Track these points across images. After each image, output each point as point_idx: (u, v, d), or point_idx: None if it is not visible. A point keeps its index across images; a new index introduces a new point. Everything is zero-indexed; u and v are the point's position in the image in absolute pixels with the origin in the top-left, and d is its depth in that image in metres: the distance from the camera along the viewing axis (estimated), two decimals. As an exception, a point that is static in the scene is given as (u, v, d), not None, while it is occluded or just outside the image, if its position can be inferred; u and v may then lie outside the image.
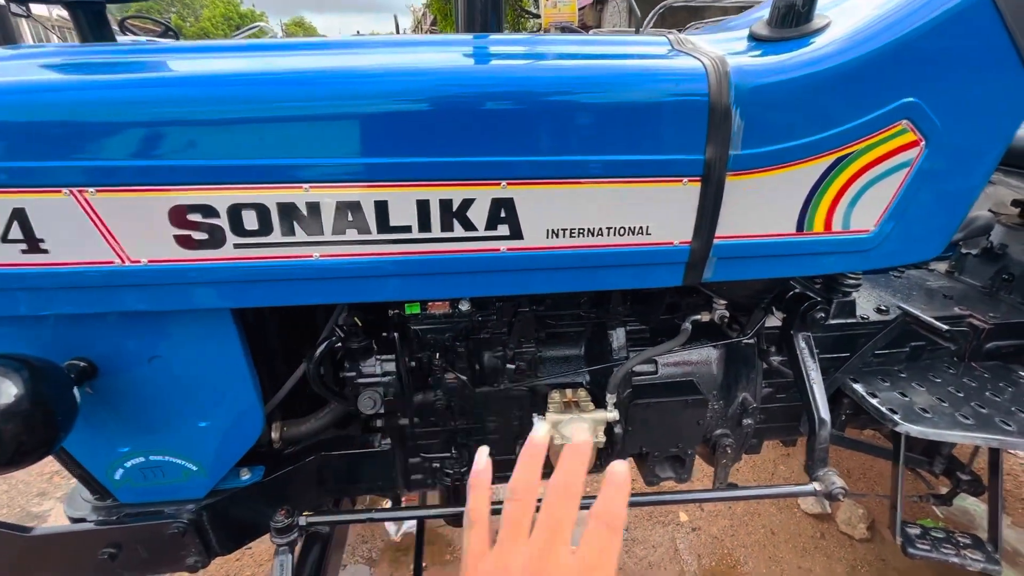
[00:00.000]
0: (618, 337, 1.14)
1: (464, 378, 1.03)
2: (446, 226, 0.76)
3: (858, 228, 0.88)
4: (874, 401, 1.19)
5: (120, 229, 0.70)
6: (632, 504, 1.12)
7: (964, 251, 1.55)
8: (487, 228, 0.77)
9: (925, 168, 0.84)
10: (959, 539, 1.16)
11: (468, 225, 0.77)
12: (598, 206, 0.79)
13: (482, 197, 0.75)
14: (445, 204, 0.75)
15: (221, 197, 0.70)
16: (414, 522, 1.97)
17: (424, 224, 0.76)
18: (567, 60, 0.80)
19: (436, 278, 0.80)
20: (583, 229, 0.80)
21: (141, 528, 0.96)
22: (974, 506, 2.02)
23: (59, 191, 0.67)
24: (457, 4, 1.31)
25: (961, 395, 1.22)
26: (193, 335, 0.83)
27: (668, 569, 1.80)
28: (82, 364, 0.82)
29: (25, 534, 0.94)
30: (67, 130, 0.66)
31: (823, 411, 1.06)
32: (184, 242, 0.72)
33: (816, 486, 1.05)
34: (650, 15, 4.07)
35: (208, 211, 0.71)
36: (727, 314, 1.11)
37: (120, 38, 1.09)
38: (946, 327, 1.07)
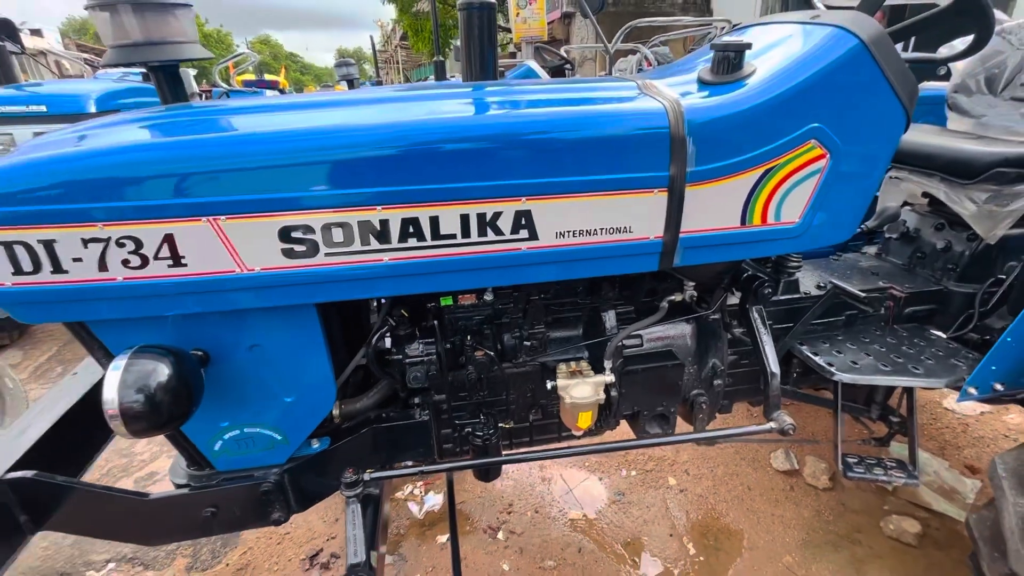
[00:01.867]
0: (610, 318, 1.41)
1: (492, 354, 1.28)
2: (482, 232, 1.02)
3: (787, 220, 1.17)
4: (816, 359, 1.49)
5: (241, 246, 0.94)
6: (631, 447, 1.39)
7: (888, 236, 1.87)
8: (512, 232, 1.03)
9: (831, 174, 1.14)
10: (887, 463, 1.46)
11: (498, 231, 1.03)
12: (593, 212, 1.06)
13: (508, 210, 1.01)
14: (481, 217, 1.01)
15: (317, 219, 0.95)
16: (436, 501, 2.21)
17: (466, 232, 1.01)
18: (565, 106, 1.07)
19: (475, 272, 1.05)
20: (582, 230, 1.07)
21: (235, 490, 1.19)
22: (919, 455, 2.34)
23: (199, 220, 0.91)
24: (461, 53, 1.59)
25: (884, 350, 1.52)
26: (286, 326, 1.07)
27: (661, 524, 2.07)
28: (199, 353, 1.05)
29: (144, 498, 1.15)
30: (201, 176, 0.90)
31: (773, 366, 1.35)
32: (288, 253, 0.96)
33: (772, 424, 1.33)
34: (618, 34, 4.42)
35: (307, 229, 0.95)
36: (695, 294, 1.39)
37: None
38: (864, 295, 1.37)
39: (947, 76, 1.41)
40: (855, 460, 1.47)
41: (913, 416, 1.51)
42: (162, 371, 0.91)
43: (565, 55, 5.29)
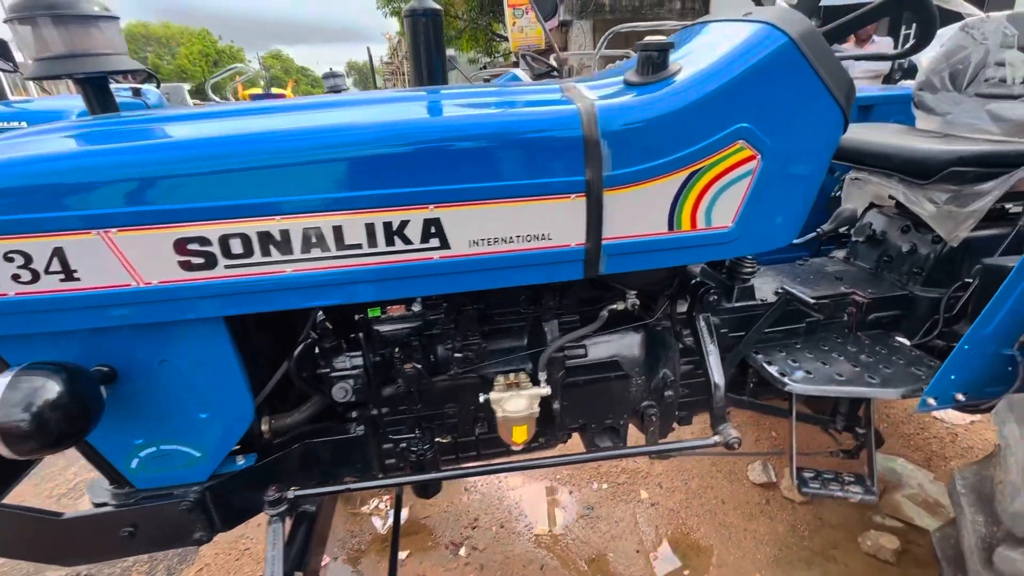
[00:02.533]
0: (552, 328, 1.37)
1: (420, 367, 1.24)
2: (389, 242, 0.99)
3: (719, 225, 1.12)
4: (770, 368, 1.43)
5: (136, 259, 0.92)
6: (568, 463, 1.34)
7: (855, 239, 1.81)
8: (421, 241, 1.00)
9: (764, 175, 1.09)
10: (845, 478, 1.39)
11: (406, 240, 0.99)
12: (509, 220, 1.02)
13: (415, 218, 0.98)
14: (387, 225, 0.97)
15: (213, 230, 0.92)
16: (402, 515, 2.16)
17: (372, 242, 0.98)
18: (476, 109, 1.04)
19: (385, 283, 1.02)
20: (499, 238, 1.03)
21: (155, 508, 1.16)
22: (902, 466, 2.25)
23: (89, 233, 0.89)
24: (411, 60, 1.57)
25: (842, 359, 1.46)
26: (194, 341, 1.04)
27: (628, 540, 2.00)
28: (105, 369, 1.02)
29: (57, 518, 1.12)
30: (90, 187, 0.88)
31: (717, 377, 1.29)
32: (185, 266, 0.94)
33: (716, 438, 1.27)
34: (601, 40, 4.40)
35: (203, 241, 0.93)
36: (637, 302, 1.34)
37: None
38: (813, 301, 1.31)
39: (911, 74, 1.36)
40: (811, 475, 1.40)
41: (871, 429, 1.44)
42: (50, 388, 0.88)
43: (554, 63, 5.28)
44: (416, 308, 1.23)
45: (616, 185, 1.02)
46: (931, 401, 1.29)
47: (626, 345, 1.43)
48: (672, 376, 1.44)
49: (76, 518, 1.14)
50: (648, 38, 1.09)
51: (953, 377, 1.27)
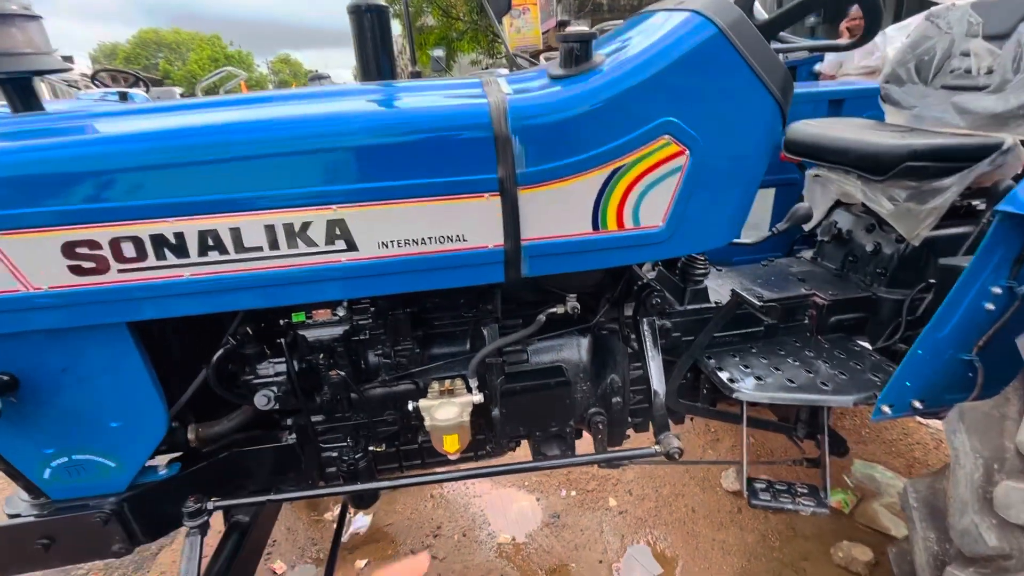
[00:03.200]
0: (492, 333, 1.32)
1: (343, 375, 1.19)
2: (291, 244, 0.94)
3: (649, 224, 1.06)
4: (720, 374, 1.37)
5: (23, 263, 0.88)
6: (505, 472, 1.29)
7: (821, 238, 1.74)
8: (327, 244, 0.95)
9: (695, 172, 1.03)
10: (798, 489, 1.32)
11: (310, 242, 0.95)
12: (420, 220, 0.97)
13: (318, 219, 0.94)
14: (288, 227, 0.93)
15: (103, 233, 0.89)
16: (364, 523, 2.12)
17: (273, 244, 0.94)
18: (384, 106, 0.99)
19: (289, 287, 0.98)
20: (410, 239, 0.98)
21: (69, 519, 1.12)
22: (882, 474, 2.17)
23: (-31, 236, 0.86)
24: (356, 55, 1.53)
25: (798, 364, 1.39)
26: (95, 347, 1.00)
27: (592, 549, 1.94)
28: (5, 378, 0.99)
29: (-33, 530, 1.09)
30: (-25, 188, 0.85)
31: (658, 384, 1.23)
32: (76, 270, 0.90)
33: (656, 447, 1.22)
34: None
35: (93, 244, 0.89)
36: (578, 306, 1.28)
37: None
38: (760, 303, 1.24)
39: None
40: (762, 486, 1.34)
41: (825, 438, 1.37)
42: (-70, 398, 0.85)
43: (543, 62, 5.22)
44: (341, 312, 1.18)
45: (532, 183, 0.97)
46: (886, 409, 1.22)
47: (569, 350, 1.37)
48: (620, 382, 1.39)
49: (-14, 529, 1.11)
50: (570, 29, 1.04)
51: (908, 384, 1.21)
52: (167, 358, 1.12)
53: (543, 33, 10.93)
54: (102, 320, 0.95)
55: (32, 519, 1.12)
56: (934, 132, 1.43)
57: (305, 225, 0.93)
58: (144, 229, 0.89)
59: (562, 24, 11.95)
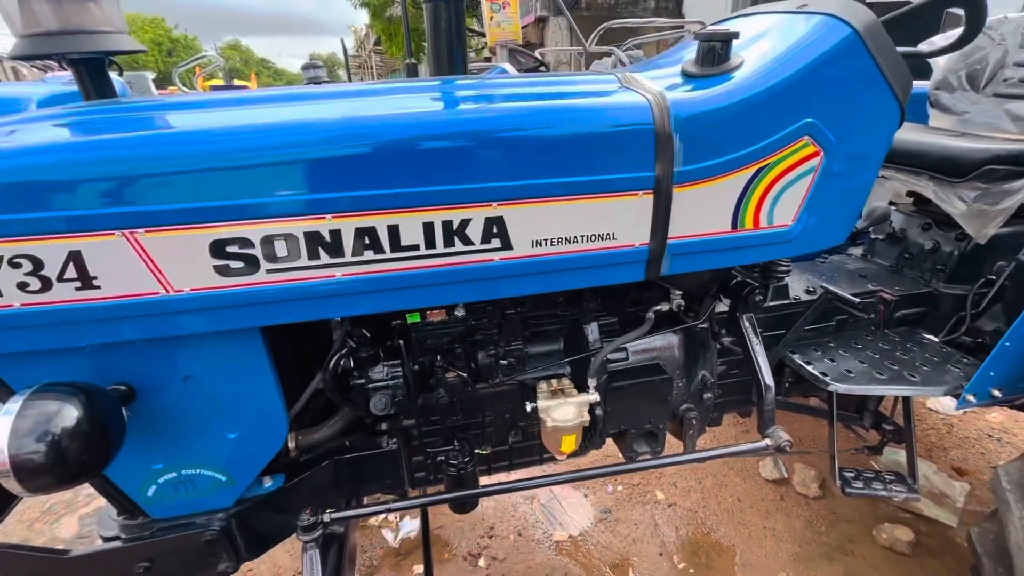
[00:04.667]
0: (592, 331, 1.31)
1: (465, 375, 1.16)
2: (448, 243, 0.90)
3: (780, 223, 1.08)
4: (810, 368, 1.41)
5: (166, 263, 0.81)
6: (620, 472, 1.28)
7: (874, 236, 1.82)
8: (482, 242, 0.92)
9: (825, 173, 1.06)
10: (886, 476, 1.38)
11: (466, 241, 0.91)
12: (573, 218, 0.95)
13: (477, 217, 0.90)
14: (446, 225, 0.89)
15: (255, 231, 0.82)
16: (412, 527, 2.07)
17: (430, 242, 0.89)
18: (540, 100, 0.97)
19: (442, 287, 0.93)
20: (562, 238, 0.96)
21: (174, 540, 1.04)
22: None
23: (112, 234, 0.77)
24: (427, 49, 1.48)
25: (877, 357, 1.46)
26: (226, 353, 0.93)
27: (650, 543, 1.97)
28: (122, 388, 0.91)
29: (63, 556, 0.99)
30: (116, 181, 0.77)
31: (768, 379, 1.26)
32: (223, 271, 0.83)
33: (767, 442, 1.24)
34: (593, 35, 4.37)
35: (244, 243, 0.82)
36: (683, 303, 1.30)
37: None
38: (858, 300, 1.29)
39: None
40: (852, 474, 1.39)
41: (911, 426, 1.44)
42: (67, 414, 0.77)
43: (540, 57, 5.22)
44: (459, 313, 1.15)
45: (686, 182, 0.97)
46: (970, 398, 1.30)
47: (668, 347, 1.38)
48: (711, 378, 1.41)
49: (84, 556, 1.01)
50: (711, 27, 1.04)
51: (992, 374, 1.28)
52: (283, 363, 1.06)
53: (523, 27, 10.89)
54: (245, 324, 0.88)
55: (133, 542, 1.03)
56: (993, 137, 1.51)
57: (464, 223, 0.90)
58: (299, 227, 0.83)
59: (541, 19, 11.97)
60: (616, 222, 0.97)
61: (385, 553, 1.98)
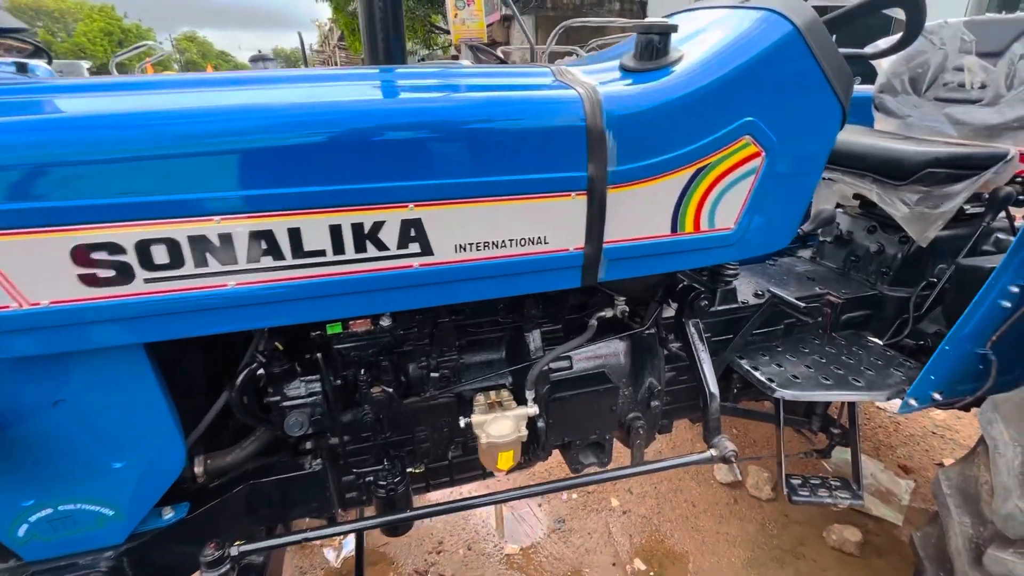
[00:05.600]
0: (534, 339, 1.24)
1: (390, 391, 1.07)
2: (359, 248, 0.81)
3: (721, 226, 1.03)
4: (756, 374, 1.38)
5: (18, 273, 0.69)
6: (563, 488, 1.22)
7: (822, 239, 1.82)
8: (399, 247, 0.84)
9: (767, 174, 1.02)
10: (832, 483, 1.37)
11: (381, 245, 0.82)
12: (500, 221, 0.88)
13: (392, 219, 0.81)
14: (357, 227, 0.80)
15: (127, 234, 0.71)
16: (353, 545, 1.95)
17: (338, 247, 0.80)
18: (463, 92, 0.89)
19: (355, 297, 0.85)
20: (488, 242, 0.88)
21: None
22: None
23: (-57, 238, 0.65)
24: (363, 37, 1.38)
25: (824, 361, 1.44)
26: (103, 374, 0.82)
27: (604, 552, 1.92)
28: (-24, 416, 0.78)
29: (-88, 611, 0.86)
30: (-51, 175, 0.65)
31: (712, 387, 1.22)
32: (89, 280, 0.72)
33: (712, 452, 1.20)
34: (552, 34, 4.32)
35: (114, 248, 0.71)
36: (627, 309, 1.24)
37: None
38: (803, 304, 1.27)
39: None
40: (799, 482, 1.37)
41: (856, 430, 1.43)
42: None
43: (502, 55, 5.15)
44: (384, 323, 1.06)
45: (621, 182, 0.91)
46: (912, 402, 1.29)
47: (613, 354, 1.33)
48: (658, 385, 1.36)
49: (-61, 608, 0.88)
50: (649, 20, 0.98)
51: (932, 378, 1.28)
52: (178, 381, 0.94)
53: (488, 25, 10.82)
54: (121, 341, 0.77)
55: (1, 589, 0.90)
56: (933, 140, 1.52)
57: (377, 226, 0.81)
58: (182, 229, 0.73)
59: (506, 18, 11.91)
60: (548, 225, 0.91)
61: (327, 574, 1.87)
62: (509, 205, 0.87)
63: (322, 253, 0.80)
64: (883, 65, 1.73)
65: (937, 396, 1.30)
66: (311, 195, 0.77)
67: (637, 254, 0.99)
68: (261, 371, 1.00)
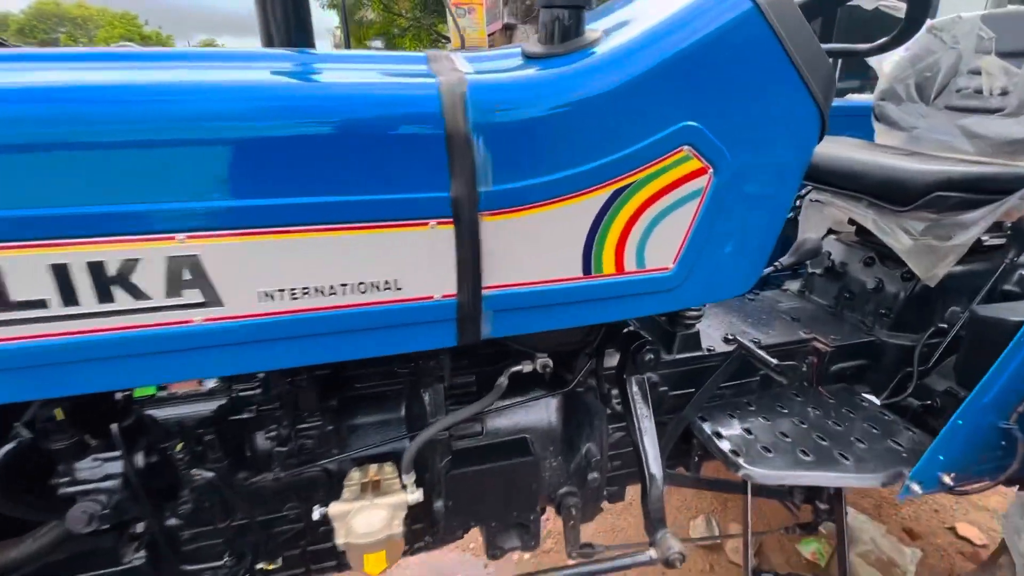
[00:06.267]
0: (435, 397, 0.98)
1: (210, 474, 0.81)
2: (104, 297, 0.57)
3: (656, 266, 0.78)
4: (720, 443, 1.11)
5: None
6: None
7: (811, 271, 1.55)
8: (169, 295, 0.59)
9: (717, 196, 0.76)
10: (811, 585, 1.09)
11: (137, 293, 0.58)
12: (329, 259, 0.63)
13: (152, 256, 0.57)
14: (95, 267, 0.56)
15: None
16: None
17: (68, 296, 0.56)
18: (273, 78, 0.64)
19: (101, 365, 0.60)
20: (313, 288, 0.63)
21: None
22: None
23: None
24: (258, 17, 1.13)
25: (805, 426, 1.17)
26: None
27: (551, 631, 1.64)
28: None
29: None
30: None
31: (655, 466, 0.95)
32: None
33: (652, 553, 0.94)
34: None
35: None
36: (550, 363, 0.98)
37: None
38: (775, 362, 1.00)
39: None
40: (769, 579, 1.09)
41: (843, 523, 1.15)
42: None
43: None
44: (213, 383, 0.81)
45: (499, 208, 0.66)
46: (915, 487, 1.01)
47: (536, 416, 1.07)
48: (598, 454, 1.10)
49: None
50: (556, -9, 0.73)
51: (942, 457, 1.00)
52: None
53: (489, 35, 10.70)
54: None
55: None
56: (945, 158, 1.26)
57: (129, 265, 0.56)
58: None
59: (508, 27, 11.76)
60: (400, 265, 0.65)
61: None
62: (340, 237, 0.62)
63: (42, 304, 0.55)
64: (884, 69, 1.47)
65: (947, 480, 1.02)
66: (21, 221, 0.53)
67: (535, 303, 0.73)
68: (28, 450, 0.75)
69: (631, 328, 1.06)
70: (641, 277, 0.77)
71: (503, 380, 0.95)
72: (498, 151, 0.63)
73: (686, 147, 0.72)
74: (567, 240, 0.71)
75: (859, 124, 1.70)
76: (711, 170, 0.74)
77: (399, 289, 0.67)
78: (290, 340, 0.64)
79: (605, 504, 1.25)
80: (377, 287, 0.66)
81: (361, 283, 0.65)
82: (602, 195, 0.70)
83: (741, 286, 0.85)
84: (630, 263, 0.76)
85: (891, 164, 1.15)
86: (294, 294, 0.63)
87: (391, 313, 0.67)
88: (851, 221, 1.47)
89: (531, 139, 0.64)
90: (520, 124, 0.63)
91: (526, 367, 0.97)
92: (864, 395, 1.29)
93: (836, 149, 1.33)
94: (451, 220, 0.64)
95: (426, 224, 0.64)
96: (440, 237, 0.65)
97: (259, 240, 0.60)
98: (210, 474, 0.81)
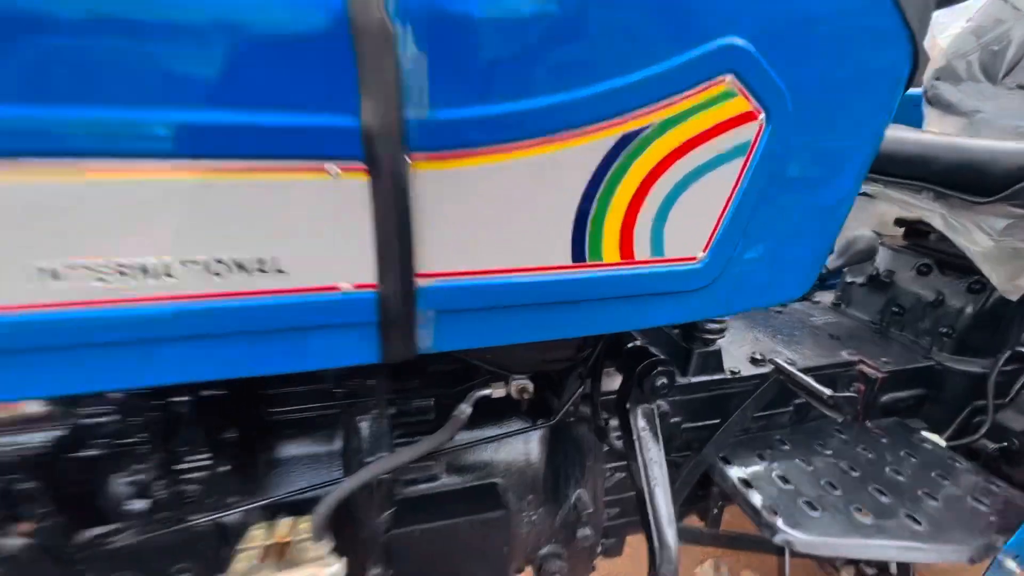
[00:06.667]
0: (375, 426, 0.74)
1: (25, 540, 0.57)
2: None
3: (678, 255, 0.54)
4: (750, 496, 0.86)
5: None
6: None
7: (849, 279, 1.31)
8: None
9: (771, 155, 0.52)
10: None
11: None
12: (159, 218, 0.39)
13: None
14: None
15: None
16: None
17: None
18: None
19: None
20: (129, 265, 0.39)
21: None
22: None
23: None
24: None
25: (857, 474, 0.92)
26: None
27: None
28: None
29: None
30: None
31: (668, 531, 0.70)
32: None
33: (661, 654, 0.68)
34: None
35: None
36: (530, 386, 0.74)
37: None
38: (829, 392, 0.76)
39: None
40: None
41: None
42: None
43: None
44: (39, 407, 0.56)
45: (443, 148, 0.42)
46: (1010, 565, 0.76)
47: (512, 455, 0.82)
48: (591, 505, 0.85)
49: None
50: None
51: (1046, 524, 0.75)
52: None
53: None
54: None
55: None
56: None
57: None
58: None
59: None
60: (283, 233, 0.41)
61: None
62: (176, 182, 0.38)
63: None
64: (940, 43, 1.25)
65: (1050, 552, 0.77)
66: None
67: (498, 302, 0.49)
68: None
69: (637, 343, 0.82)
70: (656, 269, 0.53)
71: (465, 408, 0.70)
72: (438, 54, 0.39)
73: (729, 77, 0.48)
74: (549, 208, 0.47)
75: (907, 112, 1.47)
76: (763, 115, 0.51)
77: (280, 273, 0.42)
78: (88, 349, 0.40)
79: (599, 559, 1.00)
80: (243, 268, 0.41)
81: (218, 260, 0.41)
82: (603, 140, 0.46)
83: (796, 288, 0.61)
84: (641, 248, 0.52)
85: (968, 145, 0.91)
86: (97, 274, 0.39)
87: (267, 311, 0.43)
88: (899, 221, 1.23)
89: (492, 37, 0.41)
90: (474, 10, 0.40)
91: (497, 391, 0.73)
92: (922, 433, 1.04)
93: (902, 132, 1.10)
94: (363, 164, 0.40)
95: (322, 168, 0.40)
96: (347, 191, 0.41)
97: (36, 181, 0.36)
98: (24, 540, 0.56)
